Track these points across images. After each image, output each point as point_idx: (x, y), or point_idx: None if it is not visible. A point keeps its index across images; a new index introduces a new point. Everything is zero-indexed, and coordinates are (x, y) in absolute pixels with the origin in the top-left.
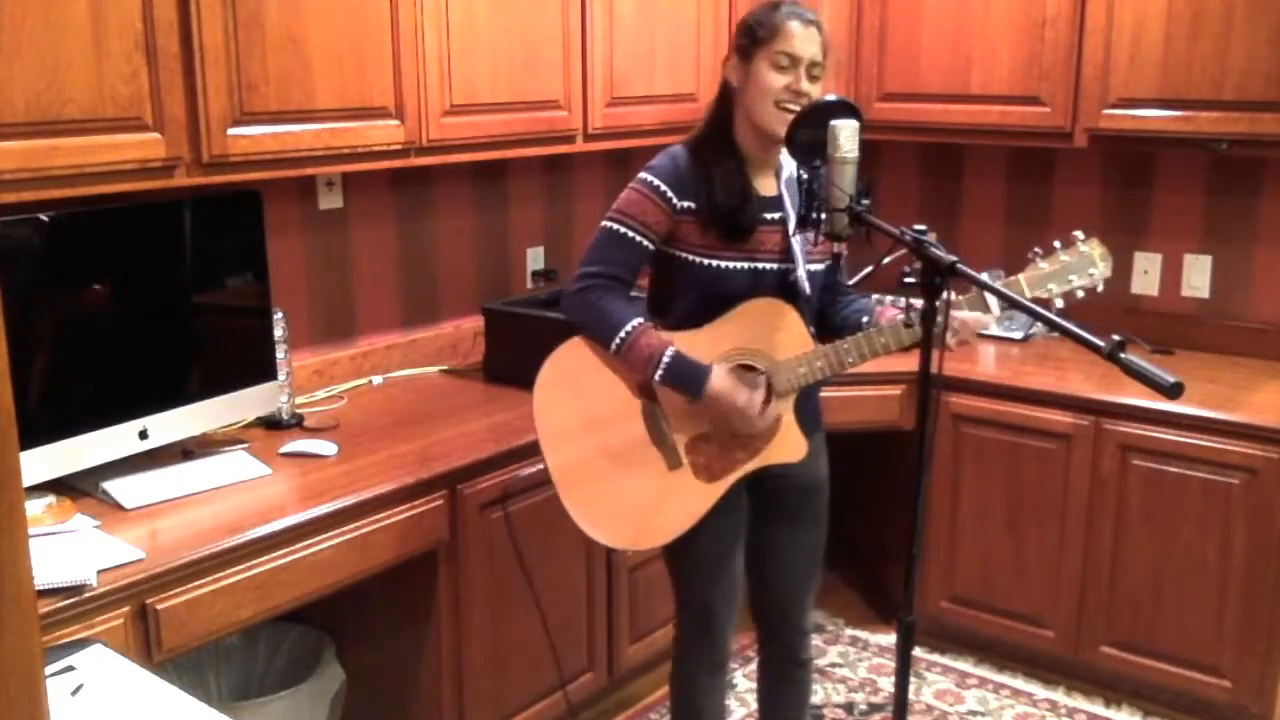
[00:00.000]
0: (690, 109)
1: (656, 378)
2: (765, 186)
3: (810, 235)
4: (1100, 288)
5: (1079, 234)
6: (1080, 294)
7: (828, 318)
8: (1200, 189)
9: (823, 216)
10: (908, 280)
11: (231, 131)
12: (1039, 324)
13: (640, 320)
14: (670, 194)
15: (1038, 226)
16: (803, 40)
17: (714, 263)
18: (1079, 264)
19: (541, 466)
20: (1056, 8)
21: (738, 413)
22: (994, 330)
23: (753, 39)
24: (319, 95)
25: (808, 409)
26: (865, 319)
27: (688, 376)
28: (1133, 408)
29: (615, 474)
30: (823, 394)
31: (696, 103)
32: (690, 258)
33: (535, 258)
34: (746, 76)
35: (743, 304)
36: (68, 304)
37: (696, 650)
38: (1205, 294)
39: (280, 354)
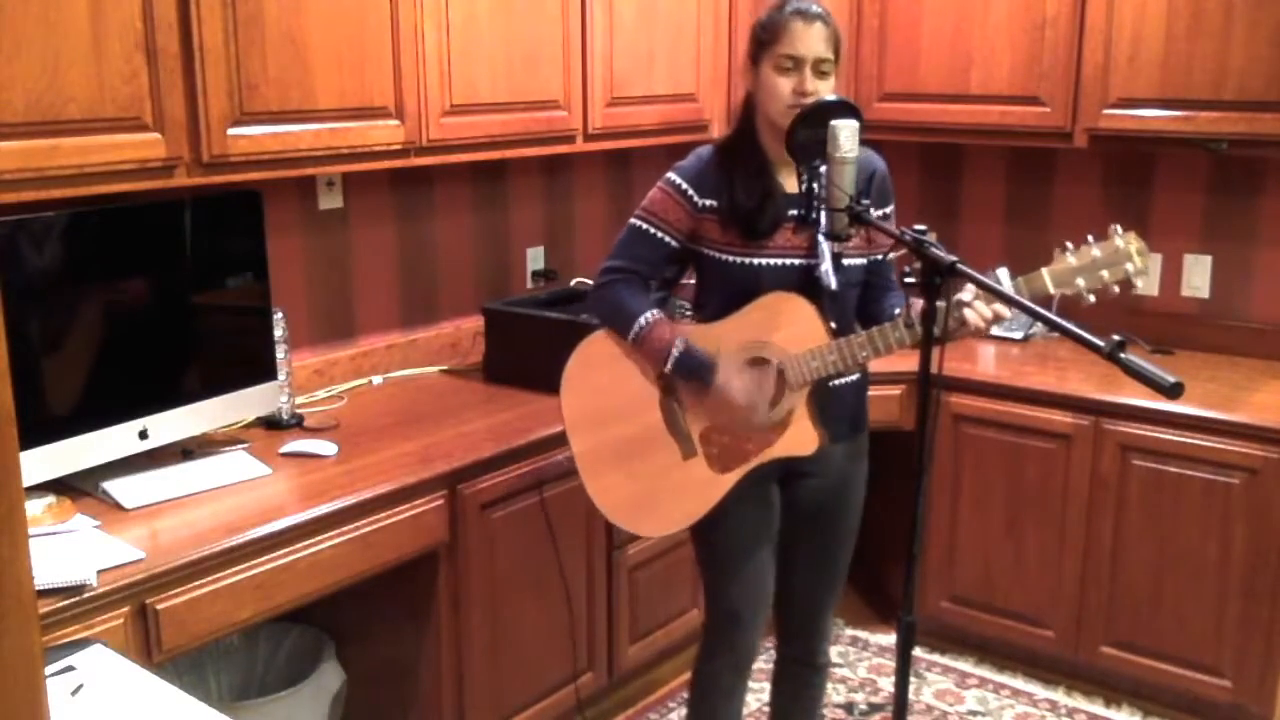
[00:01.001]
0: (690, 109)
1: (668, 369)
2: (790, 183)
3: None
4: (1138, 285)
5: (1116, 227)
6: (1115, 289)
7: (867, 310)
8: (1200, 189)
9: (823, 215)
10: (908, 280)
11: (231, 131)
12: (1039, 324)
13: (654, 313)
14: (691, 192)
15: (1038, 226)
16: (805, 39)
17: (737, 259)
18: (1112, 257)
19: (543, 464)
20: (1056, 8)
21: (739, 406)
22: (994, 330)
23: (758, 43)
24: (319, 95)
25: (840, 412)
26: (897, 311)
27: (696, 369)
28: (1133, 408)
29: (633, 462)
30: None
31: (697, 102)
32: (714, 254)
33: (535, 258)
34: (757, 81)
35: (759, 298)
36: (68, 304)
37: (720, 648)
38: (1205, 294)
39: (280, 354)
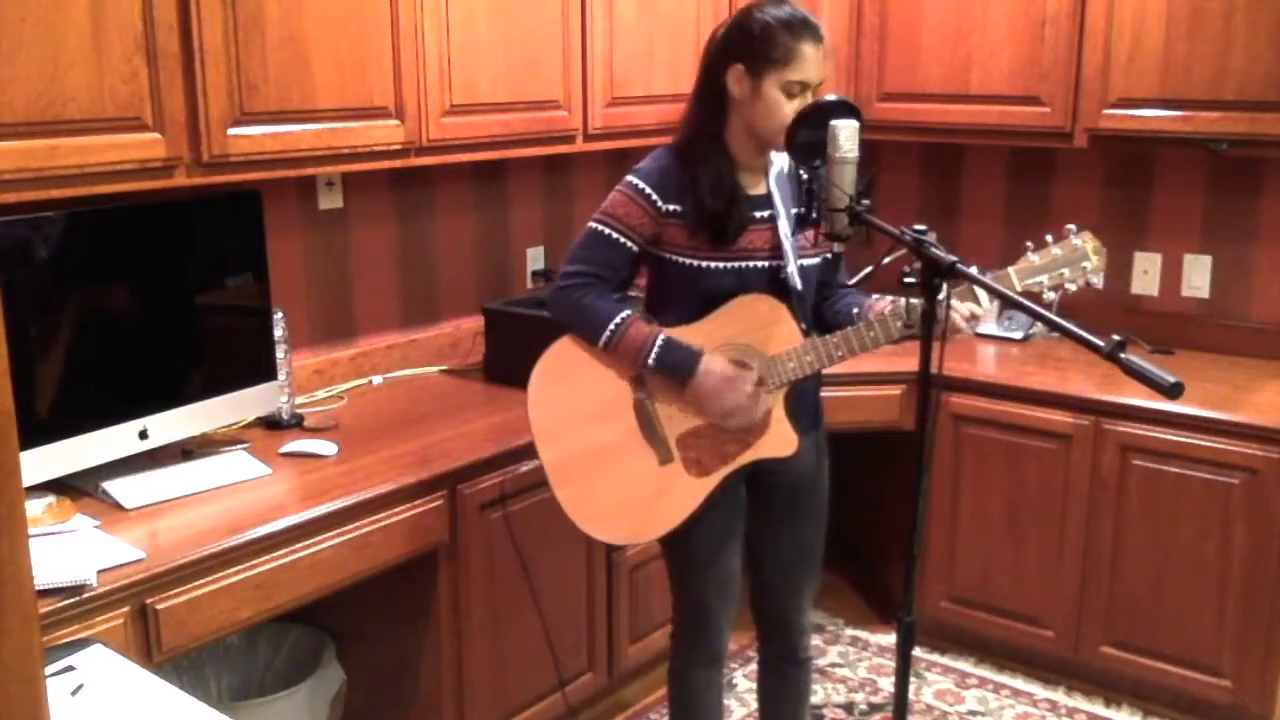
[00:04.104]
0: None
1: (650, 363)
2: (753, 185)
3: (808, 232)
4: (1095, 281)
5: (1071, 227)
6: (1072, 288)
7: (822, 312)
8: (1200, 189)
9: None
10: (908, 280)
11: (231, 131)
12: (1039, 324)
13: (629, 313)
14: (655, 197)
15: (1038, 227)
16: (816, 63)
17: (702, 264)
18: (1070, 257)
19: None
20: (1056, 7)
21: (731, 392)
22: (994, 330)
23: (765, 60)
24: (319, 95)
25: (803, 406)
26: (855, 310)
27: (679, 360)
28: (1133, 408)
29: (607, 469)
30: (823, 394)
31: None
32: (679, 259)
33: (535, 258)
34: (754, 95)
35: (733, 300)
36: (68, 304)
37: (692, 644)
38: (1205, 294)
39: (280, 354)
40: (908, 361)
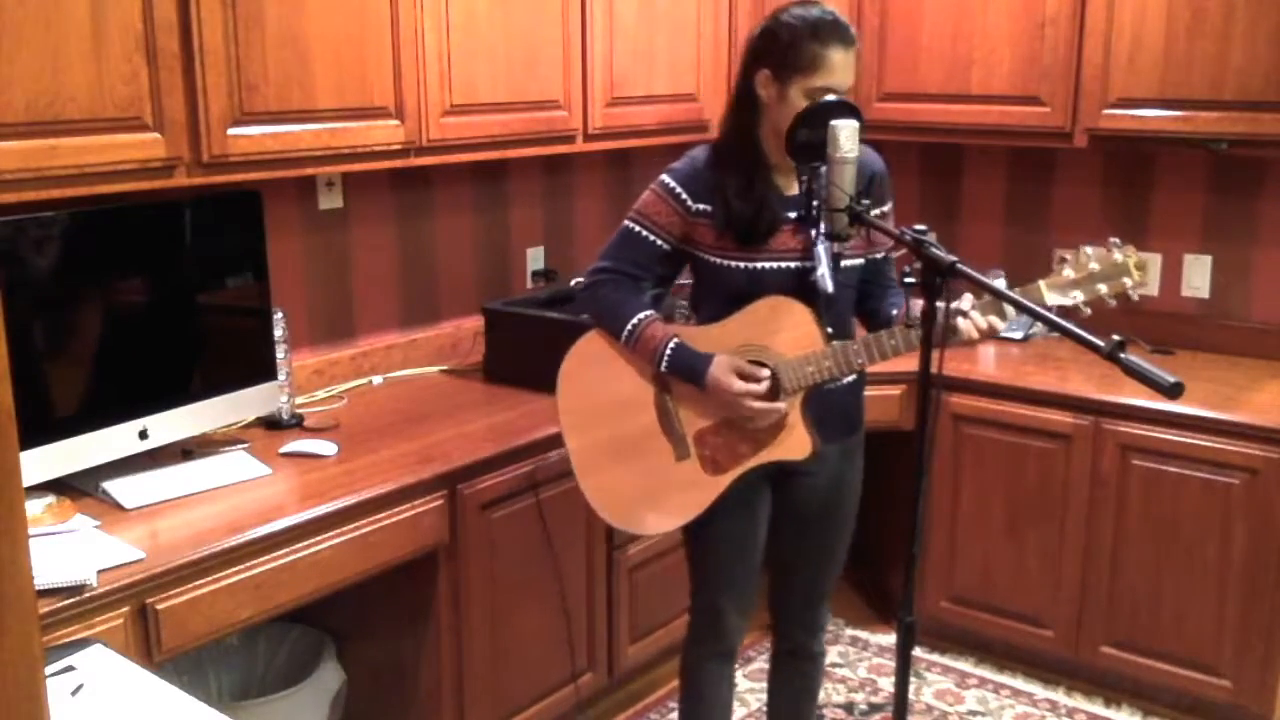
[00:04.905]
0: (690, 109)
1: (662, 368)
2: (789, 186)
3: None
4: (1134, 297)
5: (1115, 240)
6: (1111, 302)
7: (866, 308)
8: (1200, 189)
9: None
10: (908, 280)
11: (231, 131)
12: (1039, 324)
13: (648, 313)
14: (684, 196)
15: (1038, 227)
16: (844, 69)
17: (731, 263)
18: (1110, 271)
19: (543, 464)
20: (1056, 8)
21: (735, 400)
22: None
23: (792, 67)
24: (319, 95)
25: (833, 412)
26: (895, 313)
27: (689, 365)
28: (1133, 408)
29: (627, 461)
30: None
31: (697, 102)
32: (708, 258)
33: (535, 258)
34: (782, 101)
35: (755, 301)
36: (68, 304)
37: (705, 638)
38: (1205, 294)
39: (280, 354)
40: (908, 361)
